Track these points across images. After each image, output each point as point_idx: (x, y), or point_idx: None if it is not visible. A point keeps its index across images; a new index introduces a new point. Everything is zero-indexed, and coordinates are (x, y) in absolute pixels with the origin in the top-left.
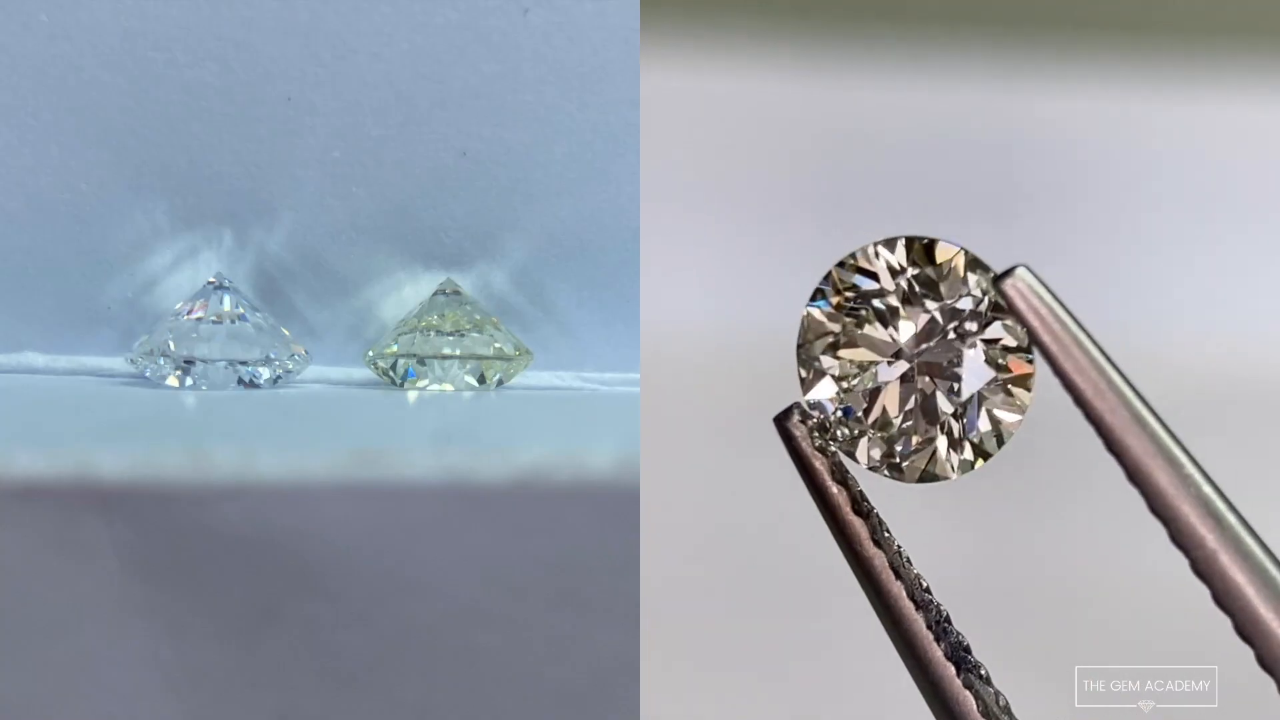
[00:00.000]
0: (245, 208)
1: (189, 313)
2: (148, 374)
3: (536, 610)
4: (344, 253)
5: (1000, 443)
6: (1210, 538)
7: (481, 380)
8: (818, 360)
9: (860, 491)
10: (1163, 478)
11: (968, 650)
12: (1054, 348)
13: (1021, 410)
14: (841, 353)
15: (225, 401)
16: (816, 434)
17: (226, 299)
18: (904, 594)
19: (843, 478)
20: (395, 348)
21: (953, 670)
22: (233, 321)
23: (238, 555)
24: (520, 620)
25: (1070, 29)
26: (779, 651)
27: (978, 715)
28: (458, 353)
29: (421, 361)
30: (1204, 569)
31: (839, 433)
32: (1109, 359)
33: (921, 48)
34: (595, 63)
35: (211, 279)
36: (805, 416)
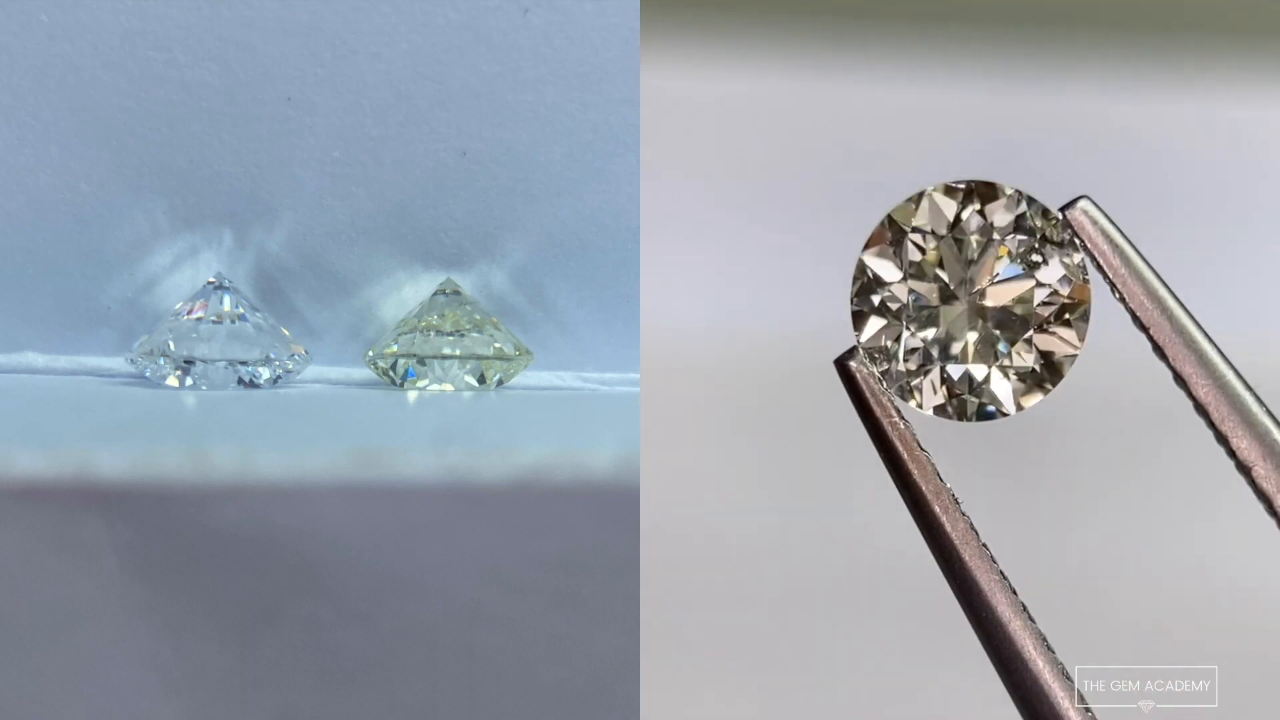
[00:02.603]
0: (245, 208)
1: (189, 313)
2: (148, 374)
3: (536, 610)
4: (344, 253)
5: (1059, 376)
6: (1267, 465)
7: (481, 380)
8: (872, 303)
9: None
10: (1221, 400)
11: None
12: (1118, 274)
13: (1079, 342)
14: (896, 294)
15: (225, 401)
16: (876, 376)
17: (226, 299)
18: (970, 530)
19: (903, 418)
20: (395, 348)
21: (1024, 615)
22: (233, 321)
23: (238, 555)
24: (520, 620)
25: (1074, 28)
26: (779, 651)
27: (1043, 649)
28: (458, 353)
29: (421, 361)
30: (1266, 487)
31: (894, 374)
32: (1170, 289)
33: (923, 47)
34: (595, 63)
35: (211, 279)
36: (867, 357)
